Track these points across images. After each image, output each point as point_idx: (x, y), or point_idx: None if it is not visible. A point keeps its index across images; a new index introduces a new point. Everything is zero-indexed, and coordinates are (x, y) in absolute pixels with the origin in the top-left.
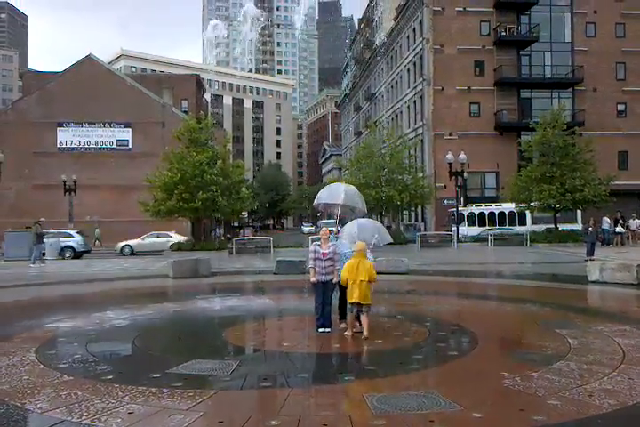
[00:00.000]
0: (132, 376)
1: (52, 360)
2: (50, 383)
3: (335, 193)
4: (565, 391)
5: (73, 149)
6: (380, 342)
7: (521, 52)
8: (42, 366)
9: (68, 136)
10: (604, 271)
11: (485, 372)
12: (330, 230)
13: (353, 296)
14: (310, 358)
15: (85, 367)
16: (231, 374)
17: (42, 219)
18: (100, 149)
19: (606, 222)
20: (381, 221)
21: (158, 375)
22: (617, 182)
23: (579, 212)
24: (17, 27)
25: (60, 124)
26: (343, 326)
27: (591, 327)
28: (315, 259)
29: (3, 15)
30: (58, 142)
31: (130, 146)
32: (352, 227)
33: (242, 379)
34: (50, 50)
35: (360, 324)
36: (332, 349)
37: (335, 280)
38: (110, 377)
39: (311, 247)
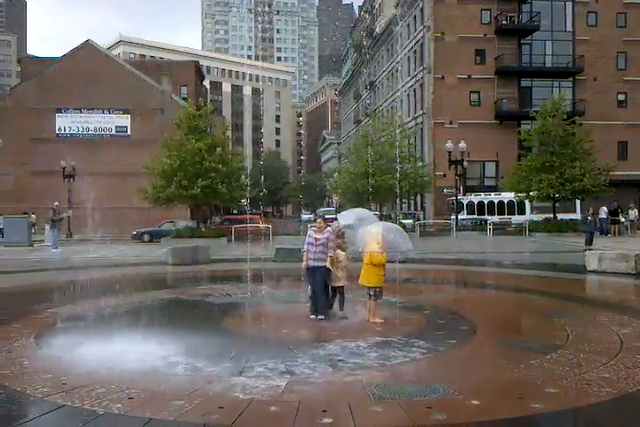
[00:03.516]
0: (132, 361)
1: (51, 345)
2: (49, 368)
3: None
4: (563, 380)
5: (72, 135)
6: (379, 329)
7: (522, 41)
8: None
9: (66, 122)
10: (602, 261)
11: (484, 360)
12: (325, 220)
13: (360, 279)
14: (308, 345)
15: (86, 351)
16: (231, 361)
17: (56, 203)
18: (98, 135)
19: (604, 212)
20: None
21: (157, 361)
22: (616, 172)
23: (577, 201)
24: (15, 11)
25: (59, 111)
26: (341, 314)
27: (590, 317)
28: (308, 243)
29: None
30: (56, 128)
31: (129, 132)
32: (383, 232)
33: (241, 365)
34: (48, 35)
35: (340, 308)
36: (330, 336)
37: (327, 265)
38: (110, 363)
39: (309, 232)
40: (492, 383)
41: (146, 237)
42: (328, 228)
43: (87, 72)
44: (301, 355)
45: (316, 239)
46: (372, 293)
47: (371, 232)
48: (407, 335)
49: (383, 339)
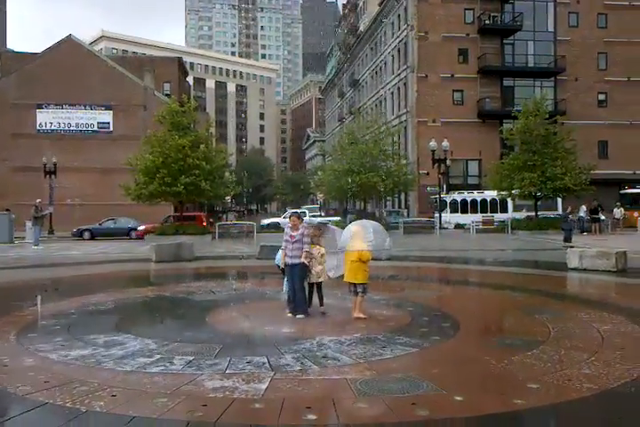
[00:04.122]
0: (115, 359)
1: (32, 343)
2: (30, 366)
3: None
4: (545, 376)
5: (53, 131)
6: (362, 326)
7: (504, 41)
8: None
9: (47, 118)
10: (583, 259)
11: (467, 356)
12: (299, 217)
13: (345, 276)
14: (292, 342)
15: (67, 349)
16: (214, 358)
17: (38, 200)
18: (80, 131)
19: (582, 211)
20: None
21: (140, 359)
22: (597, 171)
23: (559, 200)
24: None
25: (40, 106)
26: (321, 309)
27: (571, 313)
28: (285, 241)
29: None
30: (37, 124)
31: (111, 128)
32: (365, 230)
33: (225, 362)
34: (29, 31)
35: (320, 304)
36: (314, 332)
37: (303, 260)
38: (93, 360)
39: (285, 229)
40: (474, 380)
41: (86, 235)
42: (303, 223)
43: (69, 67)
44: (285, 352)
45: (291, 236)
46: (359, 289)
47: (351, 230)
48: (391, 332)
49: (367, 336)
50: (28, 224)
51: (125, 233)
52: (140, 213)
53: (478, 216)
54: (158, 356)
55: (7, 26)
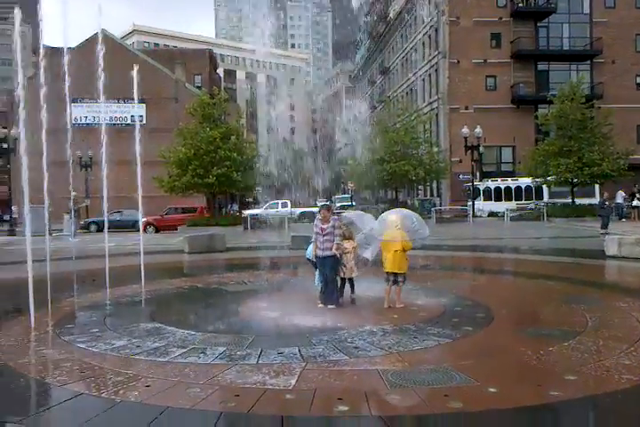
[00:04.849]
0: (149, 349)
1: (69, 334)
2: (67, 357)
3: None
4: (583, 367)
5: (87, 124)
6: (395, 316)
7: (538, 24)
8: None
9: (82, 112)
10: (622, 246)
11: (501, 347)
12: (329, 210)
13: (387, 266)
14: (324, 333)
15: (103, 340)
16: (246, 349)
17: (74, 193)
18: (114, 124)
19: (620, 196)
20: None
21: (174, 349)
22: (635, 156)
23: (596, 186)
24: (29, 2)
25: (74, 101)
26: (353, 296)
27: (609, 303)
28: (315, 233)
29: None
30: (72, 118)
31: (144, 121)
32: (404, 219)
33: (257, 353)
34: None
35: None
36: (346, 323)
37: (334, 252)
38: (127, 351)
39: (315, 221)
40: (509, 371)
41: (92, 227)
42: (334, 216)
43: (101, 62)
44: (317, 342)
45: (322, 229)
46: (400, 279)
47: (389, 218)
48: (423, 322)
49: (399, 326)
50: (66, 217)
51: (131, 225)
52: (172, 204)
53: (512, 204)
54: (191, 346)
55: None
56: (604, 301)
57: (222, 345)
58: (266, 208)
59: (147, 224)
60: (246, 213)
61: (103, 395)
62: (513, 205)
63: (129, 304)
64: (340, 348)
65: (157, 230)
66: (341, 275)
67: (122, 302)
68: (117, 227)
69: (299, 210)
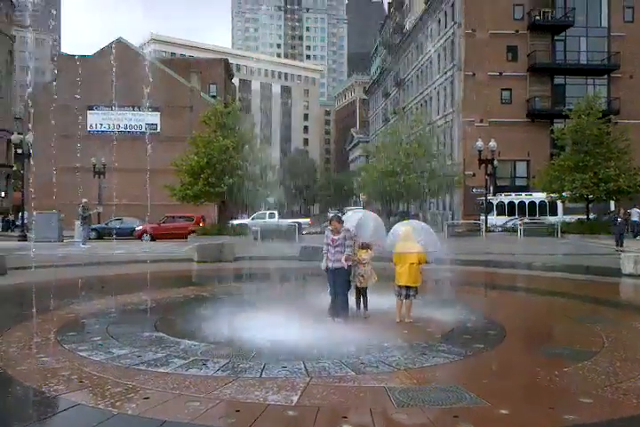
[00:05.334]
0: (150, 360)
1: (70, 341)
2: (66, 366)
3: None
4: (599, 389)
5: (103, 131)
6: (405, 331)
7: (555, 38)
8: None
9: (97, 119)
10: (638, 264)
11: (514, 366)
12: (340, 221)
13: (402, 280)
14: (331, 347)
15: (104, 348)
16: (249, 361)
17: (85, 200)
18: (129, 132)
19: (637, 213)
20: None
21: (175, 361)
22: None
23: (612, 202)
24: (49, 10)
25: (91, 108)
26: (366, 314)
27: (626, 322)
28: (326, 244)
29: None
30: (88, 125)
31: (159, 130)
32: (416, 231)
33: (260, 366)
34: (81, 33)
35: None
36: (354, 338)
37: (345, 264)
38: (128, 361)
39: (326, 232)
40: (522, 392)
41: (93, 234)
42: (345, 227)
43: (119, 70)
44: (323, 357)
45: (333, 240)
46: (412, 292)
47: (401, 230)
48: (433, 339)
49: (408, 342)
50: (77, 223)
51: (130, 233)
52: (184, 213)
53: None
54: (193, 358)
55: (62, 30)
56: (621, 320)
57: (225, 357)
58: (253, 218)
59: (143, 232)
60: (232, 222)
61: (100, 406)
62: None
63: (134, 312)
64: (346, 363)
65: (153, 239)
66: (358, 284)
67: (127, 309)
68: (117, 234)
69: (286, 221)
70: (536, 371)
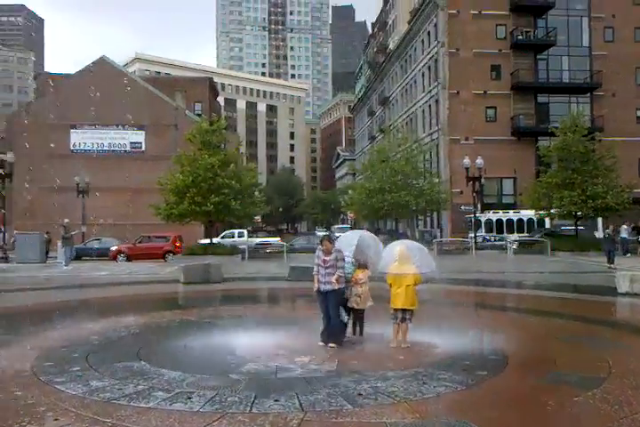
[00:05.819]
0: (131, 393)
1: (47, 373)
2: (43, 400)
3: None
4: (614, 422)
5: (86, 151)
6: (401, 357)
7: (538, 56)
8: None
9: (81, 138)
10: (634, 282)
11: (521, 395)
12: (331, 241)
13: (398, 303)
14: (325, 377)
15: (83, 380)
16: (238, 394)
17: (66, 220)
18: (113, 151)
19: (625, 230)
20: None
21: (158, 394)
22: (638, 190)
23: (599, 219)
24: (32, 29)
25: (74, 127)
26: (360, 339)
27: (628, 345)
28: (317, 264)
29: (19, 18)
30: (71, 144)
31: (143, 148)
32: (411, 251)
33: (250, 400)
34: (65, 52)
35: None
36: (350, 366)
37: (336, 286)
38: (108, 394)
39: (317, 252)
40: (531, 424)
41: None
42: (336, 247)
43: (102, 88)
44: (317, 388)
45: (324, 261)
46: (408, 316)
47: (396, 250)
48: (432, 366)
49: (407, 370)
50: (59, 244)
51: (107, 253)
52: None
53: (515, 236)
54: (178, 390)
55: (44, 48)
56: (623, 342)
57: (212, 389)
58: (222, 237)
59: (118, 252)
60: (201, 242)
61: None
62: (515, 237)
63: (116, 339)
64: (342, 395)
65: (129, 259)
66: (355, 306)
67: (109, 336)
68: (96, 255)
69: (256, 240)
70: (545, 401)
